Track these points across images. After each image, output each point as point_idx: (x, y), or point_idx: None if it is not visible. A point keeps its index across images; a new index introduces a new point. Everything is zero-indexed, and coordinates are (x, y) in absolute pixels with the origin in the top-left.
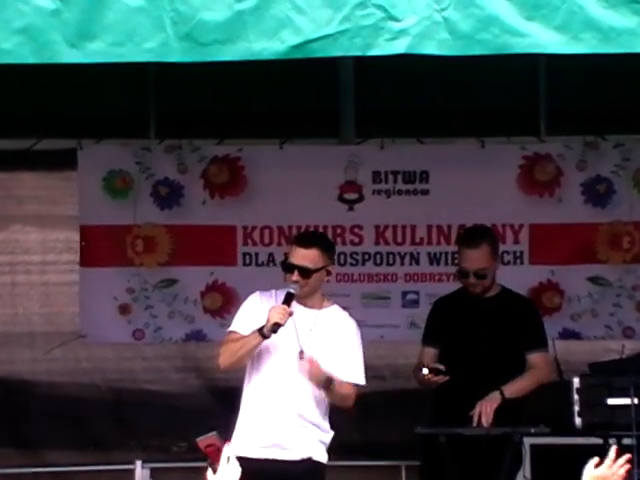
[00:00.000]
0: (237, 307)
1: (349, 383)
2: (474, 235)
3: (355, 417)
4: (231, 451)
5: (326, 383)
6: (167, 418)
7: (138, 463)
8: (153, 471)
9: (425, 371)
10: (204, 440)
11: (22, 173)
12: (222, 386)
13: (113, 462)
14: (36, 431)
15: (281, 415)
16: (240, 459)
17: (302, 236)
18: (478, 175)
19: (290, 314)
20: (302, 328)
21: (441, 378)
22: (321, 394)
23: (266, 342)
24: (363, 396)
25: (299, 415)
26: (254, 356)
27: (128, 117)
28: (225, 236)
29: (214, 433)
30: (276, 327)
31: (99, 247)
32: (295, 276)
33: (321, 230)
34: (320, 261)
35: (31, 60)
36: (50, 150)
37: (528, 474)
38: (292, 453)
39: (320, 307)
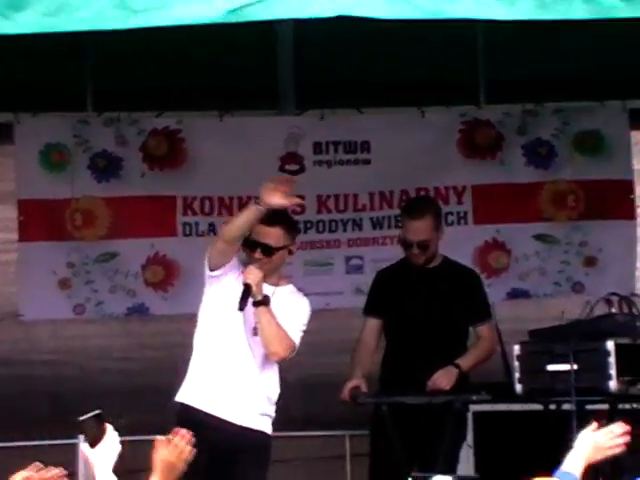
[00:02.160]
0: (179, 279)
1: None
2: (418, 206)
3: (299, 391)
4: (112, 430)
5: (261, 296)
6: (105, 396)
7: (81, 437)
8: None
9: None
10: (87, 418)
11: None
12: (163, 365)
13: (53, 438)
14: None
15: (230, 385)
16: (191, 409)
17: (268, 214)
18: (419, 142)
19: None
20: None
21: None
22: (271, 370)
23: (223, 308)
24: (305, 367)
25: (247, 387)
26: (209, 316)
27: (66, 90)
28: (165, 207)
29: (98, 411)
30: (248, 289)
31: (37, 222)
32: (258, 254)
33: None
34: (283, 240)
35: None
36: None
37: (471, 441)
38: (238, 419)
39: (276, 284)
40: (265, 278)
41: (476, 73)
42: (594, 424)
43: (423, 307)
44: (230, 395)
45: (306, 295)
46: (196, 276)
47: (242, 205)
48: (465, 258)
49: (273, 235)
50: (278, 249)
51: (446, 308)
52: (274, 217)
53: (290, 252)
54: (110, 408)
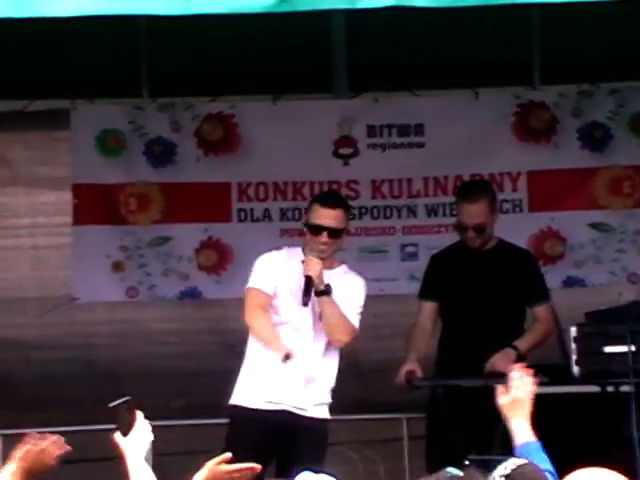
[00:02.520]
0: (232, 264)
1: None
2: (473, 189)
3: (356, 375)
4: (142, 417)
5: (324, 286)
6: (164, 378)
7: None
8: (153, 429)
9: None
10: (117, 404)
11: (13, 134)
12: (216, 348)
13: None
14: (33, 394)
15: (288, 373)
16: (243, 409)
17: (327, 196)
18: (473, 125)
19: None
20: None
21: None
22: (333, 357)
23: (283, 303)
24: (361, 352)
25: (306, 375)
26: (268, 311)
27: (121, 76)
28: (219, 193)
29: (128, 398)
30: (310, 281)
31: (92, 205)
32: (325, 237)
33: (317, 186)
34: (344, 221)
35: (14, 14)
36: (43, 111)
37: None
38: (297, 408)
39: (331, 267)
40: (325, 262)
41: (531, 53)
42: (499, 393)
43: (479, 289)
44: (287, 385)
45: None
46: (249, 261)
47: (296, 190)
48: (520, 245)
49: (337, 217)
50: (343, 231)
51: (502, 289)
52: (334, 198)
53: (348, 232)
54: (167, 391)
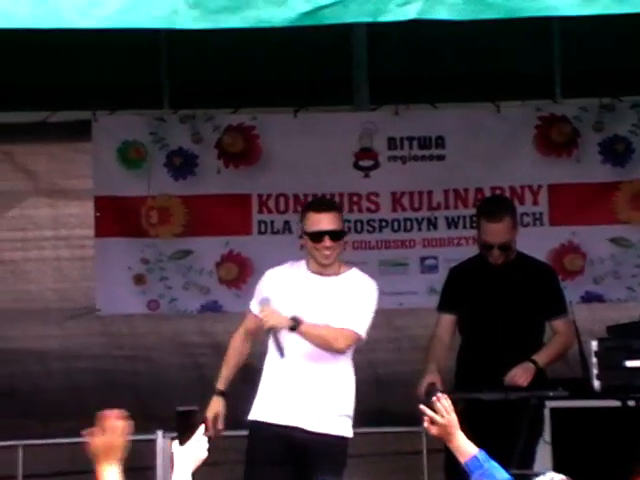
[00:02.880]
0: (253, 277)
1: (343, 329)
2: (496, 208)
3: (374, 387)
4: (203, 430)
5: (291, 322)
6: (181, 391)
7: (159, 433)
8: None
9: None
10: (184, 410)
11: (36, 146)
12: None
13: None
14: (53, 404)
15: (301, 391)
16: (260, 424)
17: (318, 202)
18: (494, 139)
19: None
20: (322, 298)
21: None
22: (344, 364)
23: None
24: (381, 364)
25: (318, 390)
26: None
27: (142, 88)
28: (240, 205)
29: (195, 407)
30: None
31: (113, 218)
32: (328, 242)
33: (337, 198)
34: (342, 224)
35: (39, 25)
36: (64, 122)
37: (549, 438)
38: (311, 426)
39: (337, 273)
40: (325, 269)
41: (552, 65)
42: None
43: (499, 302)
44: (303, 402)
45: (380, 294)
46: None
47: None
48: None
49: (334, 220)
50: (343, 233)
51: (522, 303)
52: (327, 202)
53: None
54: (185, 402)
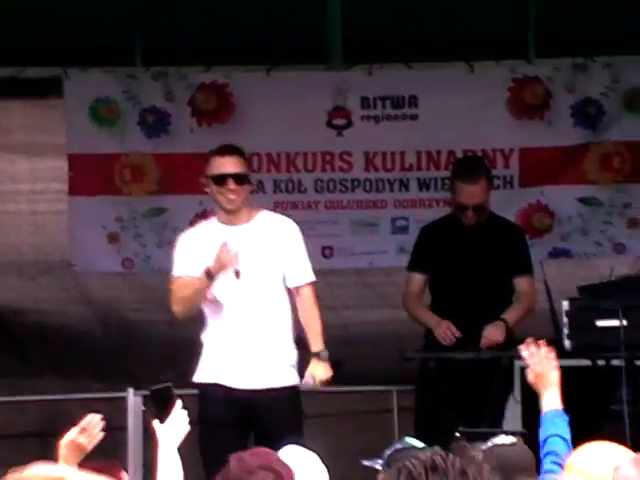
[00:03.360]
0: None
1: (307, 285)
2: (471, 170)
3: (343, 346)
4: (181, 406)
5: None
6: (153, 347)
7: (130, 390)
8: (145, 398)
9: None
10: (158, 389)
11: (9, 101)
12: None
13: (103, 390)
14: (27, 359)
15: (240, 346)
16: (208, 386)
17: (223, 146)
18: (467, 99)
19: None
20: (238, 248)
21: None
22: (280, 315)
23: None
24: (351, 324)
25: (257, 342)
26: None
27: (114, 44)
28: None
29: (169, 384)
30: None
31: (87, 176)
32: (231, 184)
33: (310, 157)
34: (245, 167)
35: None
36: (37, 78)
37: (519, 397)
38: (257, 382)
39: (248, 220)
40: (234, 216)
41: (526, 25)
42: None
43: (471, 262)
44: (249, 360)
45: (351, 255)
46: None
47: (290, 161)
48: (509, 219)
49: (238, 163)
50: (247, 177)
51: (493, 262)
52: (230, 147)
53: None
54: (158, 360)
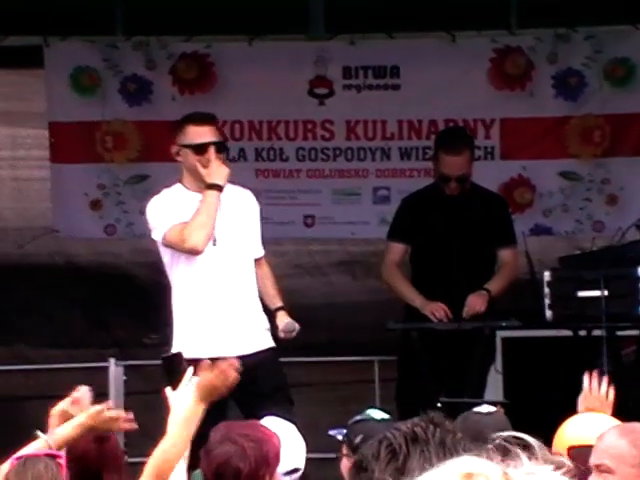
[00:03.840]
0: None
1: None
2: (455, 141)
3: (326, 316)
4: (191, 372)
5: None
6: (139, 312)
7: (112, 361)
8: (127, 368)
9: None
10: (167, 356)
11: None
12: None
13: (87, 358)
14: (10, 326)
15: (220, 313)
16: (191, 361)
17: (197, 114)
18: (449, 69)
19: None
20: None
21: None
22: (253, 281)
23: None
24: (331, 294)
25: (237, 308)
26: (174, 257)
27: (94, 13)
28: None
29: (179, 352)
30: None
31: (69, 143)
32: (211, 153)
33: (292, 125)
34: (223, 136)
35: None
36: (17, 47)
37: (500, 367)
38: (243, 347)
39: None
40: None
41: None
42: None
43: (453, 232)
44: (228, 329)
45: (333, 224)
46: None
47: (271, 129)
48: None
49: (217, 132)
50: (226, 144)
51: (475, 233)
52: (206, 115)
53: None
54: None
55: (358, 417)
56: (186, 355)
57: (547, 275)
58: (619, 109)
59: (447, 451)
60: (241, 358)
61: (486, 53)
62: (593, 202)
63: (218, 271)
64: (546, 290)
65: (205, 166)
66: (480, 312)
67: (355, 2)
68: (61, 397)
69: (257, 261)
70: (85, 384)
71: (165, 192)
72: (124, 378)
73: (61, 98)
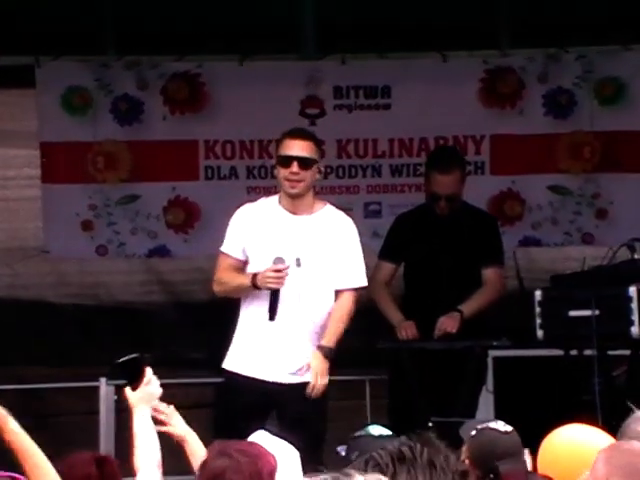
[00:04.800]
0: (200, 222)
1: (350, 290)
2: (446, 160)
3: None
4: (151, 373)
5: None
6: (132, 332)
7: (102, 380)
8: (118, 388)
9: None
10: (123, 361)
11: None
12: (185, 299)
13: (80, 377)
14: (2, 347)
15: (282, 336)
16: (235, 375)
17: (296, 130)
18: (440, 89)
19: (283, 275)
20: (296, 237)
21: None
22: (327, 311)
23: (264, 261)
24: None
25: (303, 333)
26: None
27: (86, 33)
28: (187, 151)
29: (136, 355)
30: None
31: (60, 164)
32: (295, 167)
33: None
34: (315, 153)
35: None
36: (8, 66)
37: (491, 386)
38: (300, 375)
39: (311, 212)
40: (297, 202)
41: (499, 15)
42: None
43: (442, 250)
44: (281, 353)
45: None
46: (216, 219)
47: (262, 148)
48: (481, 206)
49: (307, 147)
50: (314, 161)
51: (465, 252)
52: (303, 131)
53: (319, 171)
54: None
55: (357, 433)
56: (236, 369)
57: (538, 294)
58: (609, 126)
59: (436, 471)
60: (284, 385)
61: (477, 73)
62: (583, 215)
63: (298, 293)
64: (537, 309)
65: (286, 180)
66: (451, 333)
67: (346, 22)
68: (50, 416)
69: (339, 292)
70: (75, 404)
71: (258, 203)
72: (115, 397)
73: (52, 118)
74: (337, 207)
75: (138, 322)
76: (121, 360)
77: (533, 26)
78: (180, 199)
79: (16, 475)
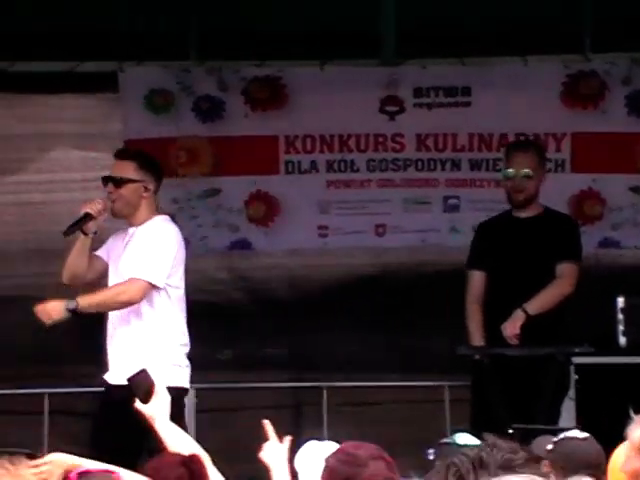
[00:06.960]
0: (280, 216)
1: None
2: (523, 141)
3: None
4: (161, 385)
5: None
6: (211, 327)
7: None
8: (198, 391)
9: None
10: (134, 376)
11: (64, 95)
12: (265, 296)
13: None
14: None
15: (118, 342)
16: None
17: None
18: (521, 92)
19: (103, 207)
20: (124, 246)
21: None
22: (150, 317)
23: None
24: (405, 302)
25: (128, 338)
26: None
27: (168, 38)
28: (267, 145)
29: (143, 369)
30: (86, 218)
31: None
32: (109, 187)
33: (362, 139)
34: (133, 173)
35: None
36: (91, 72)
37: (572, 394)
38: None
39: (141, 223)
40: (118, 213)
41: (582, 16)
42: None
43: (523, 256)
44: (120, 357)
45: (403, 232)
46: (297, 212)
47: (342, 142)
48: (561, 205)
49: (122, 168)
50: (127, 181)
51: (544, 256)
52: (126, 151)
53: (146, 189)
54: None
55: (445, 439)
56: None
57: (621, 301)
58: None
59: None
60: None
61: (559, 78)
62: None
63: None
64: (620, 316)
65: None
66: (517, 334)
67: (426, 28)
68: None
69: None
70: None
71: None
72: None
73: (136, 118)
74: (415, 200)
75: (217, 319)
76: (129, 376)
77: (617, 30)
78: (261, 193)
79: (112, 470)
